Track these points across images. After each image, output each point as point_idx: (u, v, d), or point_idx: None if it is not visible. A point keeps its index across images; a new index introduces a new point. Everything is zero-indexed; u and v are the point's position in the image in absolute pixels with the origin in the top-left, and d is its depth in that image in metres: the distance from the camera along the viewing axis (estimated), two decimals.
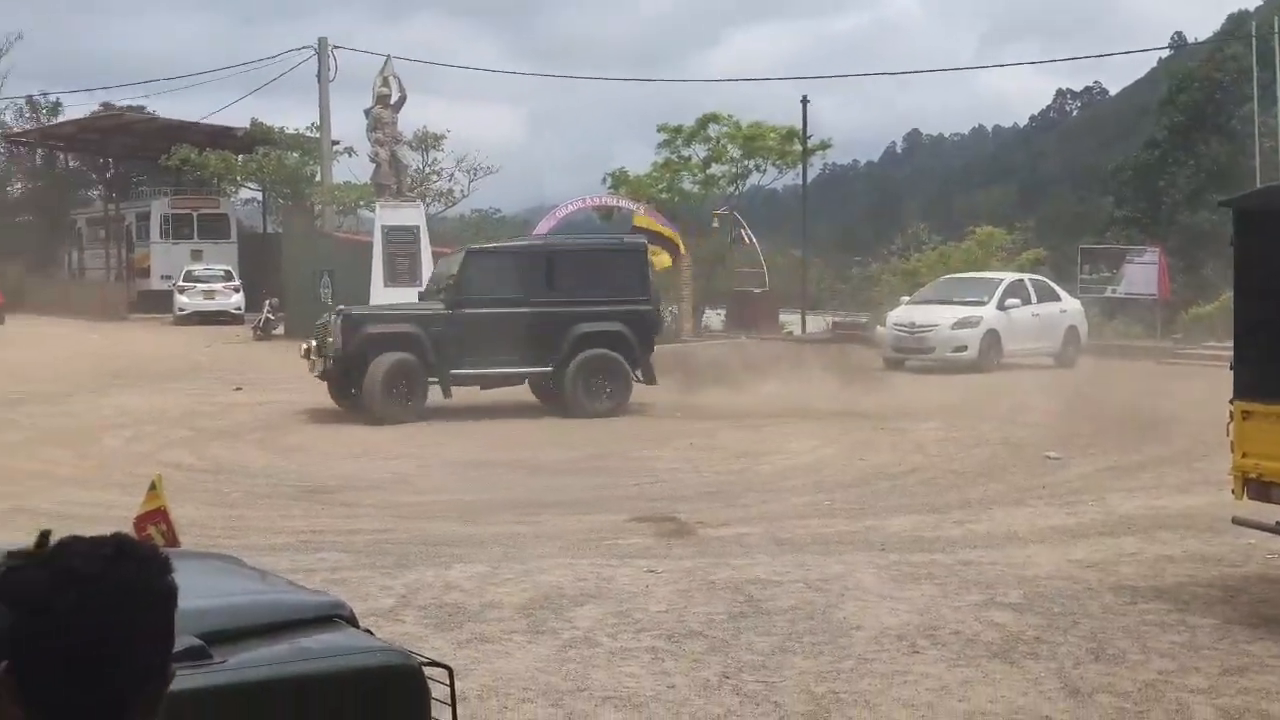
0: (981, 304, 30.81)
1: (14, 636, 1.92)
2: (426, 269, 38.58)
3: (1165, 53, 79.15)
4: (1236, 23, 61.43)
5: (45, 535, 2.01)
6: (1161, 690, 8.18)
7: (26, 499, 14.91)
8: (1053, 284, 33.53)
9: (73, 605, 1.91)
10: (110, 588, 1.94)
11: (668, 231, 23.01)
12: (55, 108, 65.74)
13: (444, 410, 22.73)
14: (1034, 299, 31.62)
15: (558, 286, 23.34)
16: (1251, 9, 68.71)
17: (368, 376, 22.03)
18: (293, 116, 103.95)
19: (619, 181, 48.03)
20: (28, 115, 66.45)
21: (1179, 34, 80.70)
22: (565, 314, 23.10)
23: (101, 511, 13.55)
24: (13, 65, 62.56)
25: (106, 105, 61.77)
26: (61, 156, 66.15)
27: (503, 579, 11.06)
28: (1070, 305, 32.69)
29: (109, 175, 62.35)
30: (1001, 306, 30.82)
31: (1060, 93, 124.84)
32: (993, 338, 30.37)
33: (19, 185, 67.47)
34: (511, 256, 24.09)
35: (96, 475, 16.88)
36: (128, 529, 5.20)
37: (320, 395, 24.72)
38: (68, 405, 23.75)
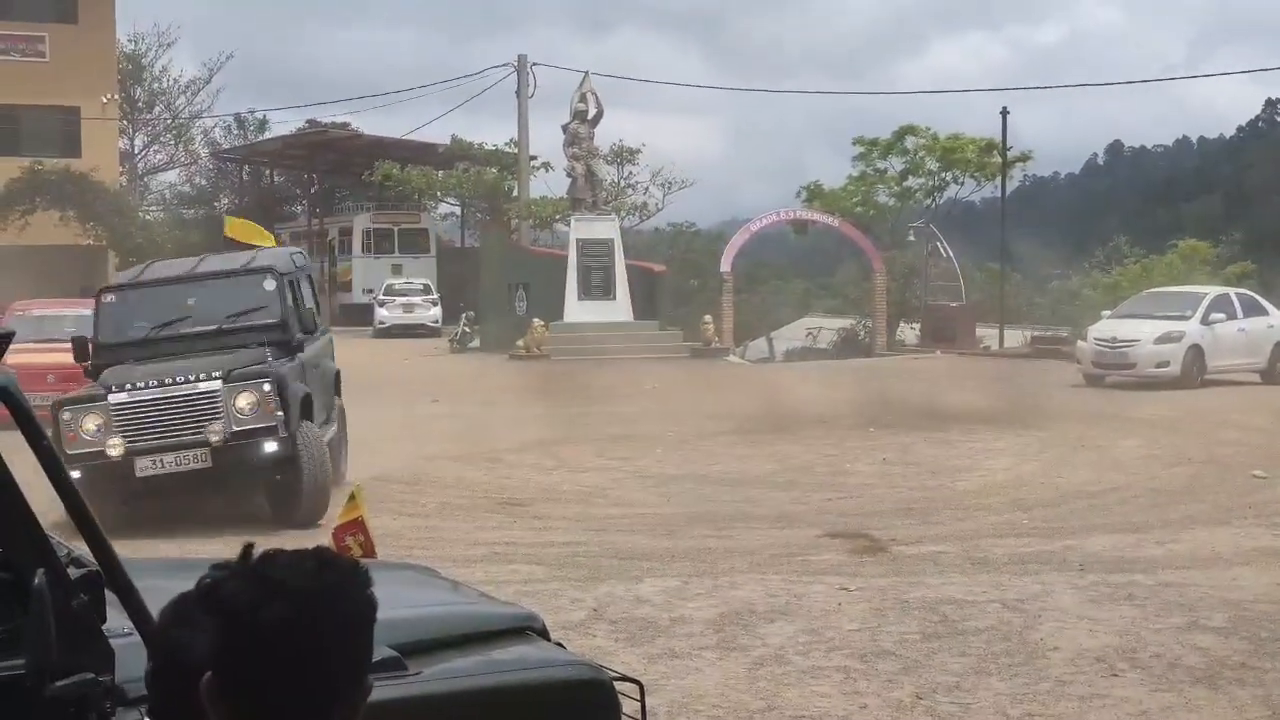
0: (1185, 319, 30.09)
1: (219, 647, 1.96)
2: (621, 282, 38.89)
3: None
4: None
5: (249, 547, 2.06)
6: None
7: (227, 507, 15.28)
8: (1260, 298, 32.59)
9: (278, 617, 1.94)
10: (314, 600, 1.97)
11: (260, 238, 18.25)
12: (262, 125, 67.63)
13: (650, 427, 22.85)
14: (1240, 314, 30.79)
15: None
16: None
17: None
18: (492, 132, 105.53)
19: (813, 195, 47.86)
20: (235, 132, 68.41)
21: None
22: None
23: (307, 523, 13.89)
24: (224, 84, 64.26)
25: (312, 122, 63.35)
26: (267, 172, 67.95)
27: (693, 594, 11.07)
28: (1278, 320, 31.77)
29: (313, 190, 63.90)
30: (1206, 321, 30.06)
31: (1270, 102, 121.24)
32: (1196, 353, 29.63)
33: (226, 200, 69.44)
34: None
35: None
36: (327, 540, 5.32)
37: (514, 408, 25.05)
38: None
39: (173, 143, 62.38)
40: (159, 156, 62.47)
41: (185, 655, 2.01)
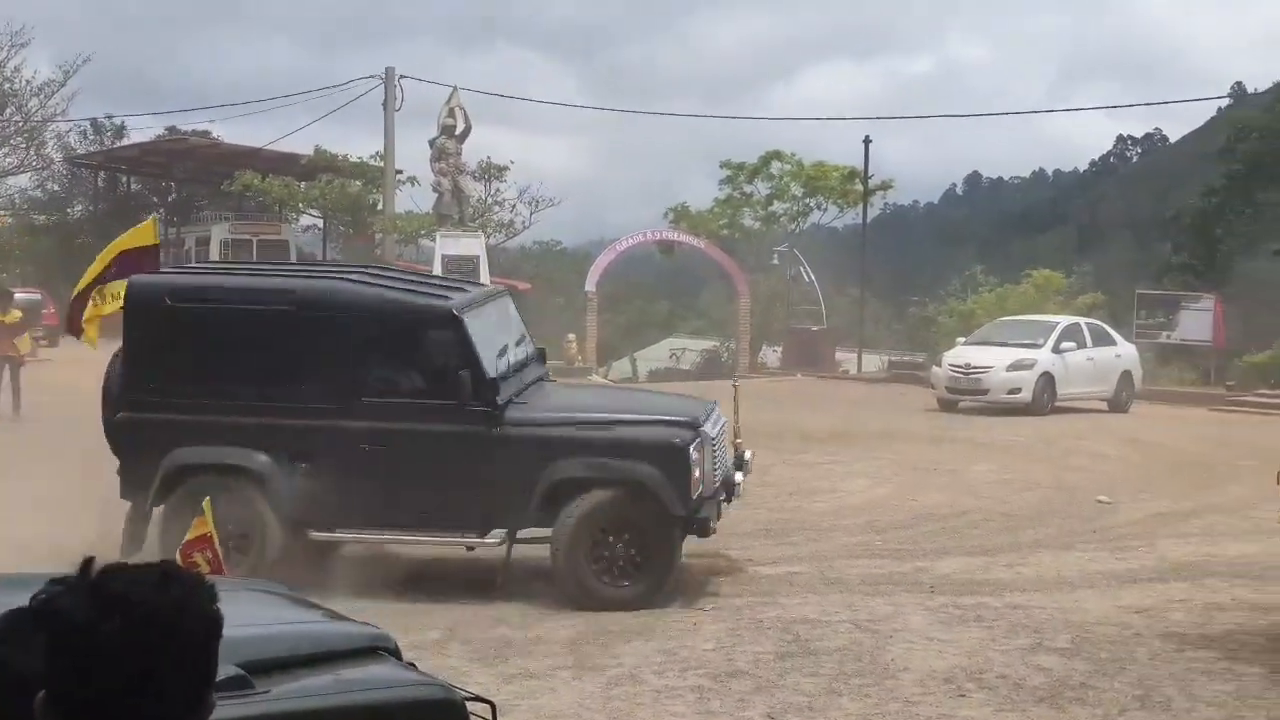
0: (1037, 347, 30.65)
1: (54, 664, 1.91)
2: None
3: (1225, 101, 78.73)
4: None
5: (89, 562, 2.00)
6: None
7: (77, 525, 14.98)
8: (1108, 329, 33.30)
9: (116, 632, 1.90)
10: (155, 615, 1.93)
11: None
12: (120, 130, 66.42)
13: None
14: (1089, 343, 31.43)
15: None
16: None
17: None
18: (357, 145, 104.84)
19: (680, 216, 48.10)
20: (91, 138, 67.15)
21: (1239, 84, 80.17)
22: None
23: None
24: (80, 88, 62.96)
25: (171, 129, 62.38)
26: (124, 179, 66.76)
27: (549, 614, 11.07)
28: (1125, 350, 32.47)
29: (170, 199, 62.90)
30: (1057, 350, 30.64)
31: (1121, 138, 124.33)
32: (1047, 381, 30.19)
33: (80, 207, 68.09)
34: None
35: None
36: (178, 556, 5.26)
37: None
38: None
39: (24, 146, 61.08)
40: (9, 160, 61.12)
41: (13, 674, 1.96)
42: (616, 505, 11.89)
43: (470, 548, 12.47)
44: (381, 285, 12.84)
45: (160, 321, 12.29)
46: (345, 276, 13.31)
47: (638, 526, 11.90)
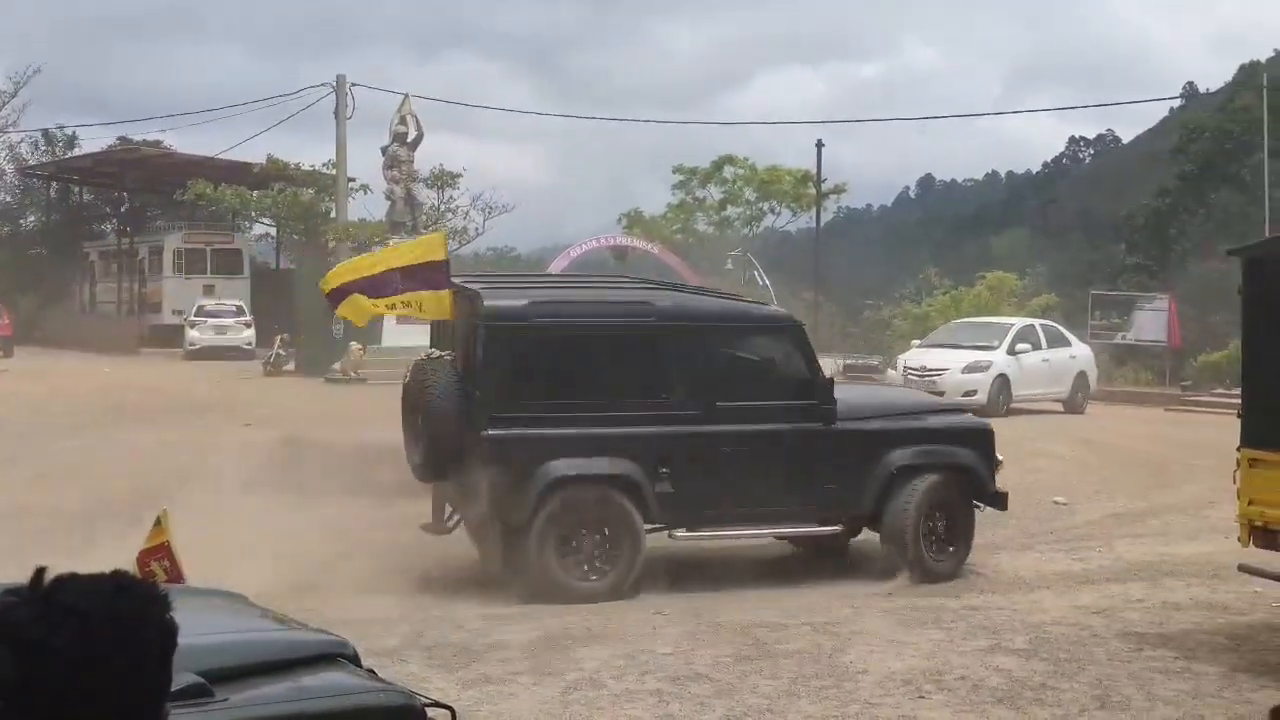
0: (992, 349, 30.79)
1: (8, 675, 1.89)
2: None
3: (1177, 102, 79.32)
4: (1248, 74, 61.51)
5: (41, 572, 1.98)
6: None
7: (32, 536, 14.91)
8: (1063, 330, 33.49)
9: (68, 642, 1.88)
10: (108, 625, 1.91)
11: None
12: (71, 141, 66.02)
13: None
14: (1044, 344, 31.59)
15: None
16: (1263, 60, 68.78)
17: None
18: (310, 153, 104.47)
19: (634, 222, 48.15)
20: (43, 148, 66.71)
21: (1191, 84, 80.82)
22: None
23: (109, 549, 13.55)
24: (31, 98, 62.53)
25: (123, 139, 62.02)
26: (76, 190, 66.35)
27: (510, 619, 11.05)
28: (1080, 351, 32.66)
29: (123, 209, 62.52)
30: (1012, 351, 30.79)
31: (1073, 139, 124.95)
32: (1002, 382, 30.33)
33: (32, 218, 67.62)
34: None
35: (103, 510, 16.86)
36: (132, 565, 5.22)
37: (330, 432, 24.76)
38: (76, 440, 23.75)
39: None
40: None
41: None
42: (939, 488, 13.25)
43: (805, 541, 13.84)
44: (713, 296, 14.52)
45: (524, 339, 12.60)
46: (659, 288, 14.64)
47: (950, 505, 13.34)
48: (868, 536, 13.97)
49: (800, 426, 12.92)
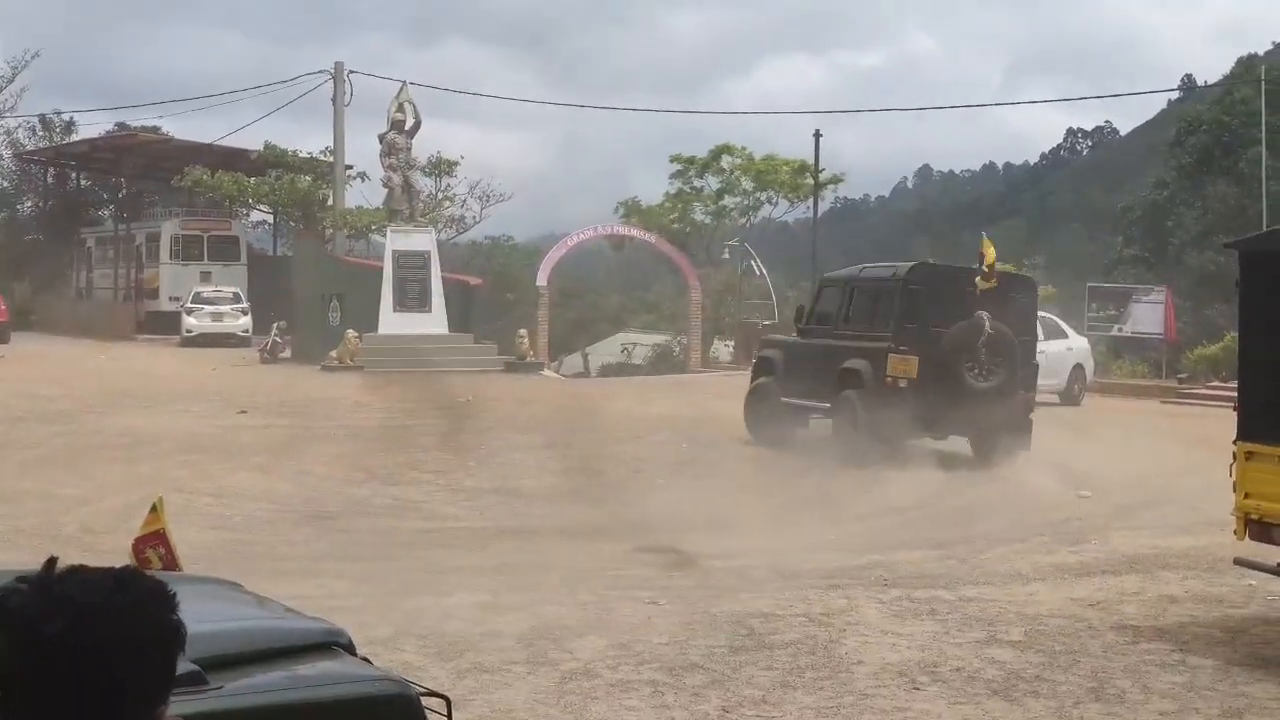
0: None
1: (6, 661, 1.90)
2: (437, 294, 38.66)
3: (1175, 95, 79.41)
4: (1246, 67, 61.44)
5: (52, 562, 1.99)
6: None
7: (26, 520, 14.92)
8: (1060, 322, 33.47)
9: (61, 635, 1.88)
10: (98, 618, 1.91)
11: None
12: (69, 126, 65.89)
13: (469, 439, 22.76)
14: (1040, 336, 31.53)
15: None
16: (1261, 53, 68.86)
17: None
18: (307, 140, 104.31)
19: (631, 211, 48.09)
20: (40, 134, 66.59)
21: (1189, 77, 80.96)
22: None
23: (102, 534, 13.57)
24: (29, 83, 62.37)
25: (121, 125, 61.94)
26: (73, 175, 66.26)
27: (504, 608, 11.05)
28: (1077, 343, 32.66)
29: (120, 195, 62.47)
30: None
31: (1071, 131, 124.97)
32: None
33: (29, 204, 67.52)
34: None
35: (99, 497, 16.87)
36: (128, 553, 5.21)
37: (323, 420, 24.79)
38: (72, 425, 23.76)
39: None
40: None
41: None
42: None
43: None
44: None
45: None
46: None
47: None
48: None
49: None
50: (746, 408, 23.53)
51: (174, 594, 2.02)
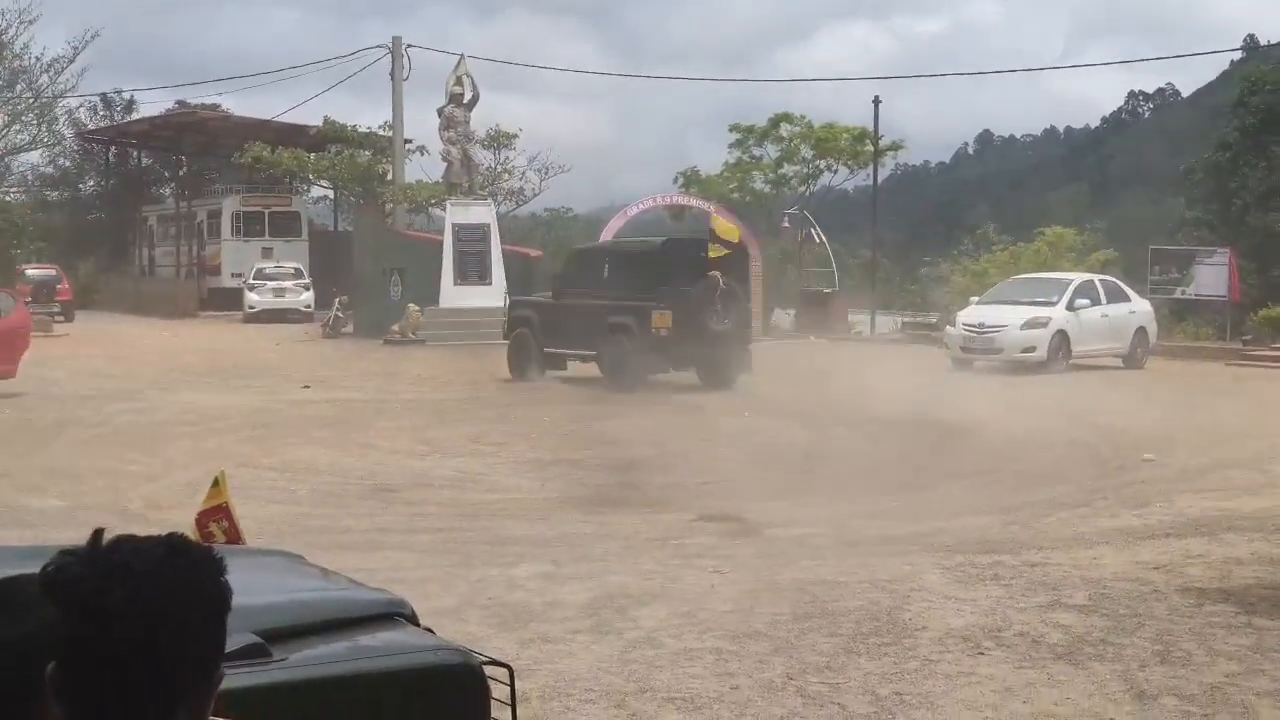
0: (1051, 304, 30.62)
1: (60, 635, 1.90)
2: (497, 267, 38.79)
3: (1238, 55, 78.44)
4: None
5: (99, 533, 1.99)
6: (1227, 693, 8.10)
7: (93, 497, 15.08)
8: (1122, 285, 33.26)
9: (120, 604, 1.88)
10: (160, 587, 1.91)
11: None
12: (129, 105, 66.47)
13: (516, 408, 22.85)
14: (1103, 300, 31.38)
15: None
16: None
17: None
18: (367, 115, 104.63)
19: (690, 181, 48.06)
20: (101, 113, 67.13)
21: (1252, 36, 79.89)
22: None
23: (169, 509, 13.70)
24: (90, 63, 63.02)
25: (181, 103, 62.40)
26: (134, 154, 66.78)
27: (567, 578, 11.08)
28: (1140, 306, 32.43)
29: (181, 173, 62.92)
30: (1071, 307, 30.61)
31: (1132, 94, 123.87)
32: (1061, 338, 30.17)
33: (91, 183, 68.11)
34: None
35: (165, 473, 17.04)
36: (191, 527, 5.26)
37: (387, 394, 24.93)
38: (137, 402, 24.00)
39: (35, 123, 61.10)
40: (21, 137, 61.15)
41: (3, 642, 1.94)
42: None
43: None
44: None
45: None
46: None
47: None
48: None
49: None
50: (510, 355, 28.69)
51: (222, 559, 2.03)
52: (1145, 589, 10.68)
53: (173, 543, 1.99)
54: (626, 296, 26.62)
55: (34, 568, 2.01)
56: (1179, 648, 9.03)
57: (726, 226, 28.59)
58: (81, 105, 65.68)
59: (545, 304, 29.09)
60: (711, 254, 26.83)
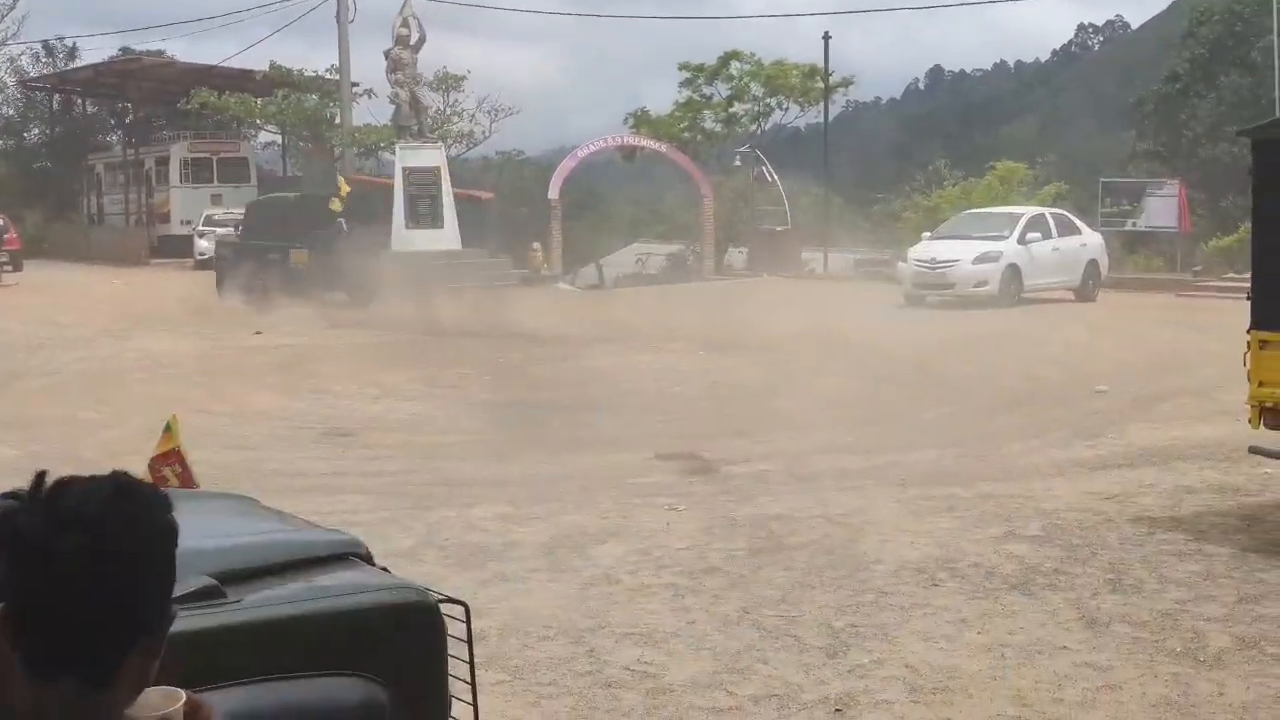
0: (1002, 239, 30.73)
1: (12, 580, 1.89)
2: (449, 210, 38.60)
3: None
4: None
5: (41, 476, 1.97)
6: (1178, 619, 8.21)
7: (46, 444, 15.00)
8: (1073, 218, 33.39)
9: (72, 548, 1.88)
10: (109, 528, 1.91)
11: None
12: (72, 52, 65.68)
13: (462, 356, 22.82)
14: (1055, 233, 31.51)
15: None
16: None
17: None
18: (313, 59, 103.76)
19: (641, 121, 47.87)
20: (44, 60, 66.33)
21: None
22: None
23: (120, 455, 13.63)
24: (30, 9, 62.27)
25: (125, 50, 61.68)
26: (79, 102, 66.04)
27: (524, 518, 11.11)
28: (1091, 239, 32.59)
29: (127, 120, 62.29)
30: (1022, 241, 30.73)
31: (1082, 27, 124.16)
32: (1013, 272, 30.31)
33: (36, 131, 67.36)
34: None
35: (118, 420, 16.96)
36: (144, 473, 5.24)
37: (342, 338, 24.88)
38: (88, 350, 23.85)
39: None
40: None
41: None
42: None
43: None
44: None
45: None
46: None
47: None
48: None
49: None
50: (217, 280, 35.90)
51: (167, 496, 2.02)
52: (1097, 519, 10.79)
53: (119, 482, 1.98)
54: (278, 238, 34.73)
55: None
56: (1130, 576, 9.14)
57: (344, 186, 36.24)
58: (23, 53, 64.92)
59: (237, 244, 37.43)
60: (335, 206, 34.60)
